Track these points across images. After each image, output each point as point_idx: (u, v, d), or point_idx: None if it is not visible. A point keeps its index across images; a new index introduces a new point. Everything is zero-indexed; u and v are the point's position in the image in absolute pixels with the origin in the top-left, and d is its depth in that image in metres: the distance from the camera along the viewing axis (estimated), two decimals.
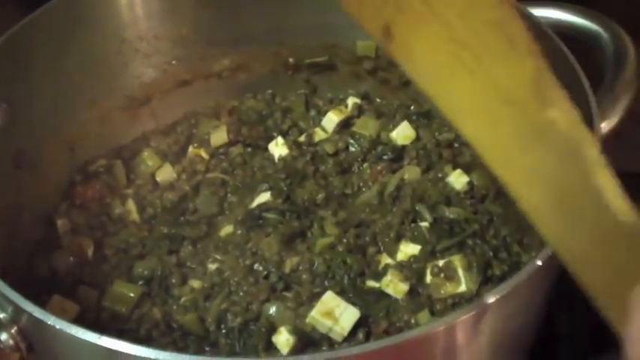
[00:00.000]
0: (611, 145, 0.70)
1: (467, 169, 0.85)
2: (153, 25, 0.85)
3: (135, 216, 0.81)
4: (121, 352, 0.49)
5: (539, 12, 0.78)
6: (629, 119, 0.74)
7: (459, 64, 0.46)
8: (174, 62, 0.88)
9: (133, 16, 0.83)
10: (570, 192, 0.41)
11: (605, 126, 0.71)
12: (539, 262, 0.57)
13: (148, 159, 0.86)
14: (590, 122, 0.64)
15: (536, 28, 0.73)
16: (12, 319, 0.55)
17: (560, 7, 0.79)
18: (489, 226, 0.80)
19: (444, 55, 0.47)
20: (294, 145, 0.88)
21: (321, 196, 0.82)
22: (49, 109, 0.79)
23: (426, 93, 0.48)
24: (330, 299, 0.70)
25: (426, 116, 0.91)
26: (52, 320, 0.50)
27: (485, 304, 0.55)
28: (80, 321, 0.70)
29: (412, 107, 0.92)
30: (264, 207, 0.80)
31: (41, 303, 0.68)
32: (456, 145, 0.89)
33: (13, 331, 0.54)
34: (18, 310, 0.52)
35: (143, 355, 0.48)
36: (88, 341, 0.49)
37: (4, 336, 0.56)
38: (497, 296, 0.55)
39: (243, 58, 0.92)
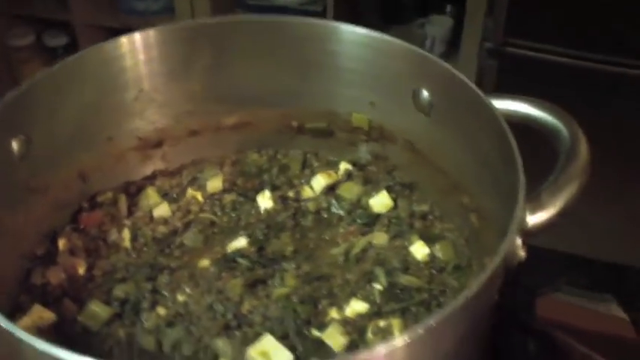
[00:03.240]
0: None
1: (433, 241, 0.92)
2: (168, 81, 0.96)
3: (127, 243, 0.92)
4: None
5: (506, 105, 0.85)
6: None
7: None
8: (185, 114, 1.00)
9: (151, 71, 0.95)
10: None
11: (542, 215, 0.76)
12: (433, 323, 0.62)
13: (150, 196, 0.97)
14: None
15: (488, 113, 0.80)
16: None
17: (527, 102, 0.86)
18: (439, 297, 0.87)
19: None
20: (279, 199, 0.98)
21: (290, 249, 0.91)
22: (66, 143, 0.90)
23: None
24: (267, 341, 0.78)
25: (408, 187, 0.99)
26: None
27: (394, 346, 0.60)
28: (57, 330, 0.82)
29: (397, 178, 1.00)
30: (238, 252, 0.90)
31: (25, 308, 0.82)
32: (429, 217, 0.97)
33: None
34: None
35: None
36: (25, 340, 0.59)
37: None
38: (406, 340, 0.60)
39: (249, 116, 1.02)
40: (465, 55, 2.17)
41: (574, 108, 0.84)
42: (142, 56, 0.94)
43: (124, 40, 0.93)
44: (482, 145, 0.84)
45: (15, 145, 0.83)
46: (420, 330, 0.60)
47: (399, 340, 0.59)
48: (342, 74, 0.98)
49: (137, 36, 0.93)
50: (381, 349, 0.59)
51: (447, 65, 0.87)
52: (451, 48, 2.34)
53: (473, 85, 0.85)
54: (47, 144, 0.88)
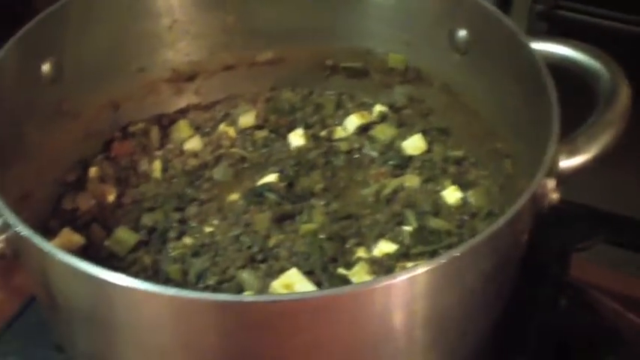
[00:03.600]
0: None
1: (466, 187, 0.90)
2: (202, 11, 0.95)
3: (157, 174, 0.92)
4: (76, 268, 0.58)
5: (545, 47, 0.82)
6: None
7: None
8: (220, 47, 0.98)
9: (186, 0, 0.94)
10: None
11: (577, 159, 0.74)
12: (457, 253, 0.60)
13: (182, 129, 0.97)
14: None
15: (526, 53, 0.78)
16: (1, 230, 0.65)
17: (566, 44, 0.83)
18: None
19: None
20: (312, 137, 0.96)
21: (319, 186, 0.90)
22: (97, 69, 0.89)
23: None
24: (293, 274, 0.78)
25: (444, 132, 0.97)
26: (21, 229, 0.61)
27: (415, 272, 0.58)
28: (85, 254, 0.82)
29: (432, 122, 0.98)
30: (267, 186, 0.89)
31: (55, 232, 0.82)
32: (464, 163, 0.95)
33: (1, 239, 0.65)
34: (5, 223, 0.63)
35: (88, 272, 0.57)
36: (52, 254, 0.59)
37: None
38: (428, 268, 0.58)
39: (284, 52, 1.00)
40: (514, 18, 2.11)
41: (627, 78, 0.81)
42: None
43: None
44: (519, 87, 0.82)
45: (45, 67, 0.83)
46: (442, 260, 0.58)
47: (422, 268, 0.58)
48: (378, 11, 0.96)
49: None
50: (403, 276, 0.58)
51: (485, 3, 0.85)
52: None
53: (511, 24, 0.82)
54: (77, 69, 0.87)
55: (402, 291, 0.59)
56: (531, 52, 0.78)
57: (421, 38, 0.94)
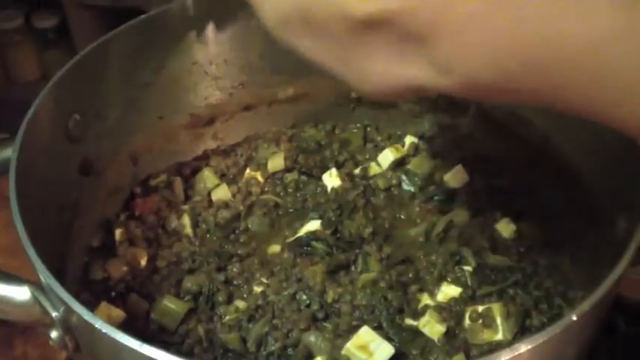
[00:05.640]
0: None
1: (516, 218, 0.85)
2: (223, 51, 0.88)
3: (189, 230, 0.84)
4: None
5: None
6: None
7: None
8: (240, 87, 0.91)
9: (205, 40, 0.87)
10: None
11: None
12: (574, 317, 0.57)
13: (207, 178, 0.89)
14: None
15: None
16: (63, 319, 0.58)
17: None
18: (533, 276, 0.80)
19: None
20: (347, 177, 0.90)
21: (368, 230, 0.83)
22: (118, 122, 0.82)
23: None
24: (366, 333, 0.71)
25: (482, 160, 0.92)
26: (99, 324, 0.53)
27: (517, 352, 0.55)
28: (127, 328, 0.73)
29: (468, 150, 0.93)
30: (312, 236, 0.82)
31: (91, 306, 0.73)
32: (509, 191, 0.90)
33: (63, 330, 0.58)
34: (69, 311, 0.55)
35: None
36: (130, 347, 0.51)
37: (54, 333, 0.59)
38: (529, 346, 0.55)
39: (306, 87, 0.94)
40: None
41: None
42: (194, 23, 0.85)
43: (172, 6, 0.84)
44: None
45: (71, 124, 0.75)
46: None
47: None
48: None
49: (189, 1, 0.84)
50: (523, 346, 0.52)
51: None
52: None
53: None
54: (98, 124, 0.81)
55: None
56: None
57: None
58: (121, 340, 0.52)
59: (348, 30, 0.43)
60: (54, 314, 0.59)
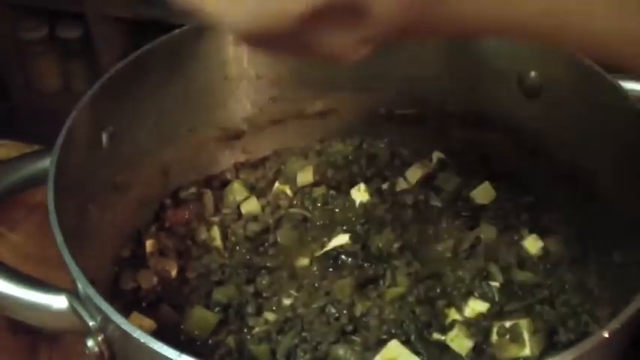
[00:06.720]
0: None
1: (543, 234, 0.86)
2: (255, 65, 0.89)
3: (218, 242, 0.85)
4: None
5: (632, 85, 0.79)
6: None
7: None
8: (270, 101, 0.92)
9: (237, 54, 0.88)
10: None
11: None
12: (606, 334, 0.57)
13: (237, 191, 0.90)
14: None
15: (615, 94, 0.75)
16: (100, 328, 0.59)
17: None
18: (560, 293, 0.80)
19: None
20: (375, 192, 0.91)
21: (396, 245, 0.84)
22: (149, 134, 0.83)
23: None
24: (394, 347, 0.72)
25: (509, 176, 0.93)
26: (137, 333, 0.54)
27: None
28: (157, 339, 0.74)
29: (495, 166, 0.93)
30: (341, 249, 0.83)
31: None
32: (535, 209, 0.90)
33: (99, 339, 0.59)
34: (106, 320, 0.56)
35: None
36: (168, 357, 0.52)
37: (90, 342, 0.60)
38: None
39: (335, 103, 0.95)
40: None
41: None
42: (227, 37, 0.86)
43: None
44: (608, 129, 0.78)
45: (104, 137, 0.76)
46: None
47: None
48: (434, 57, 0.91)
49: None
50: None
51: None
52: None
53: (596, 66, 0.78)
54: (130, 137, 0.81)
55: None
56: (623, 94, 0.75)
57: (486, 82, 0.89)
58: (159, 350, 0.52)
59: (300, 26, 0.47)
60: (91, 323, 0.60)
